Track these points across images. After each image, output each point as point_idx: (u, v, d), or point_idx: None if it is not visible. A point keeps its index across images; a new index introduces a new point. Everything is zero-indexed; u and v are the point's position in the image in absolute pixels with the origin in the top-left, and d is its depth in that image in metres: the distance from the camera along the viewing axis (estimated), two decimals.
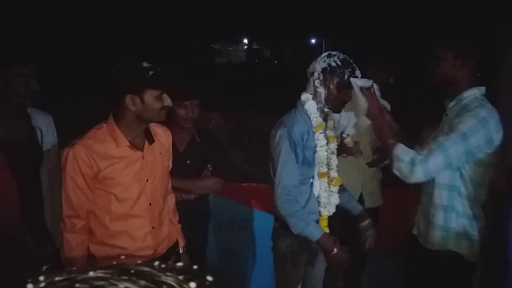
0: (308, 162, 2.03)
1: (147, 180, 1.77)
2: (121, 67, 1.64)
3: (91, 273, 0.48)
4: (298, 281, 2.18)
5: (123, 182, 1.70)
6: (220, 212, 3.02)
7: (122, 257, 1.68)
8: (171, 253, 1.92)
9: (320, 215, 2.09)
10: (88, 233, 1.74)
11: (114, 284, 0.47)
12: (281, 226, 2.12)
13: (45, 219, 2.09)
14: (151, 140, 1.80)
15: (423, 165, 1.77)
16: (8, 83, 1.95)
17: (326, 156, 2.04)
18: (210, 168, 2.34)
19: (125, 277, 0.48)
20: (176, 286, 0.49)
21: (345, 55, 1.99)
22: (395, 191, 2.80)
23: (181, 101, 2.16)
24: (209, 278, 0.52)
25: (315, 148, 2.03)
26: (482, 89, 1.88)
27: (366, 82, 1.97)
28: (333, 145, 2.14)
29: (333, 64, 1.94)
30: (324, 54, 2.01)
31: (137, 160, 1.74)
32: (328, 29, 14.96)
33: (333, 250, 1.95)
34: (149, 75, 1.62)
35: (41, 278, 0.46)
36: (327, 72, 1.95)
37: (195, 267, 0.54)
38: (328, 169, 2.11)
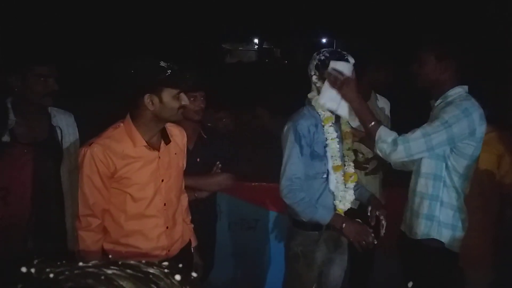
0: (319, 156, 2.04)
1: (162, 180, 1.79)
2: (139, 67, 1.66)
3: (81, 263, 0.51)
4: (311, 282, 2.15)
5: (139, 182, 1.72)
6: (229, 212, 3.04)
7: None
8: (184, 253, 1.94)
9: (336, 210, 2.08)
10: (103, 232, 1.77)
11: (103, 271, 0.50)
12: (294, 225, 2.13)
13: (65, 217, 2.12)
14: (167, 140, 1.81)
15: (404, 145, 1.86)
16: (27, 83, 1.99)
17: (338, 149, 2.04)
18: (220, 165, 2.35)
19: (114, 266, 0.51)
20: (162, 276, 0.52)
21: (335, 49, 2.04)
22: (396, 191, 2.79)
23: (189, 94, 2.14)
24: (194, 274, 0.56)
25: (326, 141, 2.04)
26: (465, 87, 1.94)
27: (342, 66, 1.97)
28: (350, 141, 2.15)
29: (322, 57, 2.00)
30: (315, 53, 2.07)
31: (153, 160, 1.76)
32: (339, 28, 14.89)
33: (342, 226, 1.97)
34: (167, 74, 1.64)
35: (33, 270, 0.49)
36: (319, 66, 2.01)
37: (180, 265, 0.57)
38: (345, 165, 2.13)
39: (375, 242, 1.96)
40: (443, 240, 1.96)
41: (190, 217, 2.06)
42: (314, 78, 2.04)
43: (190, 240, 2.03)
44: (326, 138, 2.04)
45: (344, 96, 1.98)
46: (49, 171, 2.06)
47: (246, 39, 23.66)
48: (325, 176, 2.07)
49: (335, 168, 2.05)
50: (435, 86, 1.98)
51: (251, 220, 3.07)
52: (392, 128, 2.05)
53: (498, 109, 2.47)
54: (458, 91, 1.93)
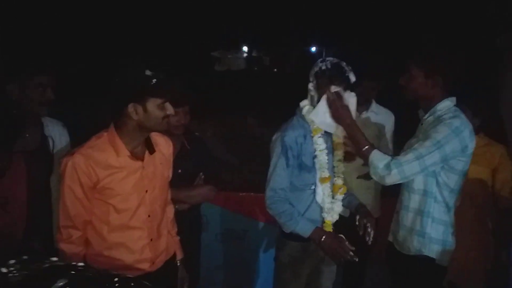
0: (307, 167, 2.02)
1: (146, 191, 1.74)
2: (124, 76, 1.63)
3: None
4: None
5: (122, 193, 1.68)
6: (218, 223, 2.98)
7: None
8: (168, 266, 1.89)
9: (324, 222, 2.07)
10: (85, 244, 1.72)
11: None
12: (282, 235, 2.11)
13: (53, 227, 2.08)
14: (151, 150, 1.77)
15: (399, 168, 1.85)
16: (26, 92, 1.99)
17: (327, 161, 2.02)
18: (202, 176, 2.32)
19: None
20: None
21: (340, 61, 1.99)
22: (394, 202, 2.78)
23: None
24: None
25: (314, 153, 2.02)
26: (454, 99, 1.95)
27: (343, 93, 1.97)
28: (340, 152, 2.13)
29: (323, 67, 1.97)
30: (320, 59, 2.04)
31: (137, 170, 1.72)
32: (328, 37, 15.03)
33: (320, 240, 1.95)
34: (152, 83, 1.60)
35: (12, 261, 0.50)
36: (318, 75, 1.98)
37: None
38: (334, 176, 2.11)
39: (356, 259, 1.93)
40: (433, 256, 1.96)
41: (176, 229, 2.01)
42: (310, 85, 2.02)
43: (175, 252, 1.98)
44: (315, 150, 2.02)
45: (337, 121, 1.98)
46: (40, 181, 2.05)
47: (235, 47, 23.74)
48: (313, 187, 2.06)
49: (322, 180, 2.03)
50: (423, 100, 1.99)
51: (240, 230, 3.03)
52: (397, 138, 2.05)
53: (488, 120, 2.47)
54: (447, 105, 1.93)
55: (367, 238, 2.03)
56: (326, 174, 2.03)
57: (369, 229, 2.03)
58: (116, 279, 0.63)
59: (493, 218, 2.60)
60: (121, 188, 1.67)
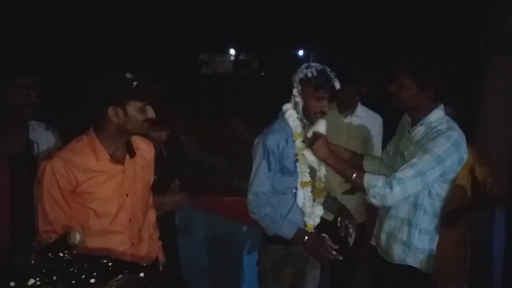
0: (288, 171, 2.03)
1: (127, 195, 1.73)
2: (104, 79, 1.61)
3: None
4: None
5: (102, 197, 1.66)
6: (202, 227, 2.96)
7: None
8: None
9: (305, 225, 2.07)
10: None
11: None
12: (264, 239, 2.11)
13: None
14: (132, 154, 1.76)
15: (401, 185, 1.78)
16: (9, 96, 1.97)
17: (308, 165, 2.03)
18: (178, 183, 2.27)
19: None
20: None
21: (324, 67, 1.99)
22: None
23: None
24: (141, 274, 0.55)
25: (296, 156, 2.02)
26: (442, 107, 1.91)
27: (318, 128, 1.98)
28: None
29: (309, 74, 1.96)
30: (304, 65, 2.03)
31: (117, 174, 1.70)
32: (315, 41, 15.14)
33: (304, 240, 1.95)
34: (133, 86, 1.59)
35: None
36: (304, 82, 1.98)
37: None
38: (316, 179, 2.11)
39: (340, 258, 1.93)
40: (418, 267, 1.95)
41: (158, 233, 1.99)
42: (294, 91, 2.01)
43: (157, 257, 1.96)
44: (297, 154, 2.02)
45: (316, 154, 1.98)
46: (22, 185, 2.01)
47: (222, 50, 23.74)
48: (294, 191, 2.06)
49: (303, 184, 2.04)
50: (412, 109, 1.95)
51: (225, 235, 3.01)
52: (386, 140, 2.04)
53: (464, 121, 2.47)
54: (439, 115, 1.89)
55: (349, 239, 2.02)
56: (307, 178, 2.03)
57: (350, 230, 2.02)
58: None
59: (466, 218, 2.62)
60: (101, 192, 1.65)
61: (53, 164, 1.59)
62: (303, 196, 2.05)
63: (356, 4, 10.34)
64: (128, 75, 1.60)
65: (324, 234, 2.00)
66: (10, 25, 7.32)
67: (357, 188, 1.95)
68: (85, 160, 1.63)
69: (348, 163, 2.00)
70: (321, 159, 1.99)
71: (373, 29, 10.17)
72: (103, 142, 1.66)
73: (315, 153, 1.98)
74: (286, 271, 2.09)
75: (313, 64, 2.01)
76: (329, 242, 1.94)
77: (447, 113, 1.93)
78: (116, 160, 1.70)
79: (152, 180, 1.92)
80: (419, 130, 1.91)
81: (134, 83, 1.59)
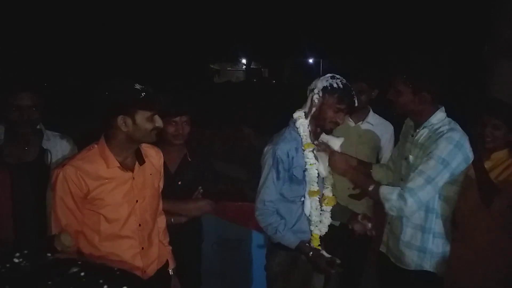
0: (297, 180, 2.04)
1: (136, 201, 1.78)
2: (113, 89, 1.67)
3: None
4: None
5: (112, 203, 1.71)
6: (212, 232, 2.99)
7: None
8: (160, 275, 1.91)
9: (311, 235, 2.09)
10: (76, 253, 1.74)
11: None
12: (272, 245, 2.13)
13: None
14: (141, 161, 1.81)
15: (414, 197, 1.82)
16: (6, 114, 2.01)
17: (316, 175, 2.04)
18: (201, 190, 2.30)
19: None
20: None
21: (348, 85, 2.02)
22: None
23: (170, 118, 2.16)
24: None
25: (305, 166, 2.04)
26: (443, 108, 1.94)
27: (327, 138, 2.04)
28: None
29: (335, 85, 1.98)
30: (329, 74, 2.05)
31: (127, 181, 1.76)
32: (326, 49, 15.16)
33: (309, 254, 1.97)
34: (141, 96, 1.65)
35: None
36: (327, 91, 1.99)
37: None
38: (324, 187, 2.14)
39: (341, 269, 1.97)
40: (435, 271, 1.96)
41: (168, 239, 2.04)
42: (315, 98, 2.01)
43: (168, 261, 2.00)
44: (306, 163, 2.04)
45: (334, 170, 2.04)
46: (33, 193, 2.05)
47: (234, 59, 23.90)
48: (303, 199, 2.08)
49: (311, 193, 2.06)
50: (413, 114, 1.99)
51: (235, 240, 3.05)
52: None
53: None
54: (440, 117, 1.92)
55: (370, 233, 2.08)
56: (315, 187, 2.05)
57: (369, 225, 2.07)
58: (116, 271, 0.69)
59: None
60: (111, 198, 1.71)
61: (65, 172, 1.66)
62: (311, 205, 2.07)
63: (366, 13, 10.36)
64: (137, 86, 1.66)
65: (323, 252, 2.00)
66: (13, 38, 7.49)
67: (374, 200, 2.01)
68: (96, 168, 1.69)
69: (364, 177, 2.05)
70: (338, 173, 2.05)
71: (381, 37, 10.17)
72: (113, 150, 1.72)
73: (333, 168, 2.04)
74: (293, 276, 2.11)
75: (338, 76, 2.03)
76: (329, 259, 1.96)
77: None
78: (126, 167, 1.76)
79: (161, 186, 1.97)
80: (423, 133, 1.94)
81: (143, 94, 1.65)
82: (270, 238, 2.09)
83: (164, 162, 2.02)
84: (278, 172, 2.01)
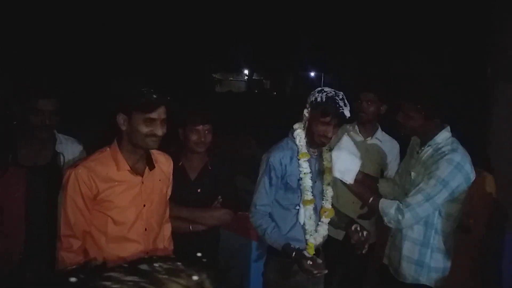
0: (291, 188, 2.09)
1: (144, 205, 1.80)
2: (119, 85, 1.72)
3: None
4: None
5: (120, 205, 1.74)
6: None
7: None
8: None
9: (307, 243, 2.10)
10: (84, 254, 1.76)
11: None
12: (268, 251, 2.17)
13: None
14: (151, 166, 1.84)
15: (412, 212, 1.88)
16: (26, 118, 2.02)
17: (311, 184, 2.08)
18: (221, 200, 2.30)
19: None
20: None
21: (337, 93, 2.00)
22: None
23: (192, 126, 2.18)
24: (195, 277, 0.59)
25: (299, 175, 2.08)
26: (448, 128, 1.98)
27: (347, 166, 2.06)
28: (329, 177, 2.18)
29: (319, 99, 1.99)
30: (319, 88, 2.07)
31: (136, 185, 1.78)
32: (327, 63, 15.29)
33: (291, 255, 1.98)
34: (136, 96, 1.68)
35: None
36: (312, 105, 2.02)
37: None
38: (323, 199, 2.16)
39: (323, 272, 1.94)
40: (431, 285, 1.98)
41: (172, 247, 2.03)
42: (305, 111, 2.07)
43: None
44: (300, 172, 2.08)
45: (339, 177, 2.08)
46: (46, 195, 2.06)
47: (236, 69, 24.06)
48: (297, 208, 2.11)
49: (305, 202, 2.09)
50: (420, 134, 2.03)
51: (234, 249, 3.04)
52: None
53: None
54: (445, 136, 1.96)
55: (363, 247, 2.03)
56: (309, 196, 2.08)
57: (363, 235, 2.02)
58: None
59: None
60: (120, 201, 1.73)
61: (77, 172, 1.69)
62: (305, 213, 2.09)
63: (370, 28, 10.48)
64: (138, 86, 1.69)
65: (305, 252, 1.98)
66: (26, 43, 7.59)
67: (373, 211, 2.06)
68: (106, 170, 1.72)
69: (366, 189, 2.10)
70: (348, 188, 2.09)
71: (385, 55, 10.28)
72: (123, 153, 1.76)
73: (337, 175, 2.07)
74: (289, 284, 2.12)
75: (326, 89, 2.03)
76: (310, 263, 1.92)
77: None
78: (136, 171, 1.79)
79: (169, 193, 1.99)
80: (427, 151, 1.98)
81: (139, 94, 1.67)
82: (264, 243, 2.12)
83: (185, 169, 2.03)
84: (270, 179, 2.07)
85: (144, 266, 0.60)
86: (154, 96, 1.70)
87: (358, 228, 2.05)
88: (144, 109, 1.69)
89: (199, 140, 2.21)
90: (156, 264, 0.61)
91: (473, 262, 2.61)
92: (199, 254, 0.64)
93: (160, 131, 1.71)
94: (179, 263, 0.61)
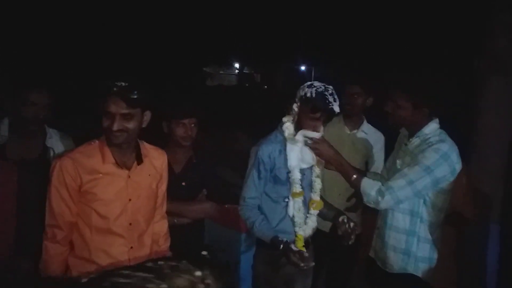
0: (280, 181, 2.10)
1: (130, 200, 1.79)
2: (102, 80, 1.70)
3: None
4: None
5: (104, 198, 1.73)
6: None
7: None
8: None
9: (296, 235, 2.11)
10: (69, 245, 1.76)
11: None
12: (257, 243, 2.19)
13: None
14: (139, 161, 1.83)
15: (392, 194, 1.89)
16: (18, 110, 2.01)
17: (299, 177, 2.09)
18: (205, 193, 2.31)
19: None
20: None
21: (326, 88, 2.00)
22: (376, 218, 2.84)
23: (179, 119, 2.19)
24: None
25: (288, 168, 2.08)
26: (437, 120, 1.99)
27: (312, 134, 2.04)
28: (318, 169, 2.19)
29: (309, 94, 1.99)
30: (308, 83, 2.08)
31: (122, 179, 1.77)
32: (318, 56, 15.30)
33: (279, 248, 1.98)
34: (104, 90, 1.66)
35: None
36: (302, 100, 2.02)
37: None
38: (312, 191, 2.17)
39: (309, 265, 1.95)
40: (419, 275, 2.00)
41: (169, 243, 2.02)
42: (294, 105, 2.07)
43: None
44: (289, 165, 2.08)
45: (320, 156, 2.07)
46: (36, 189, 2.02)
47: (227, 63, 23.96)
48: (287, 200, 2.12)
49: (294, 195, 2.09)
50: (408, 125, 2.04)
51: (224, 242, 3.05)
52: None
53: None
54: (433, 128, 1.97)
55: (350, 238, 2.05)
56: (298, 189, 2.09)
57: (350, 226, 2.03)
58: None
59: None
60: (104, 193, 1.73)
61: (62, 163, 1.70)
62: (294, 206, 2.10)
63: (361, 22, 10.50)
64: (109, 81, 1.66)
65: (292, 246, 1.98)
66: (20, 37, 7.51)
67: (354, 188, 2.05)
68: (92, 162, 1.72)
69: (350, 166, 2.08)
70: (326, 159, 2.06)
71: (375, 48, 10.31)
72: (110, 146, 1.75)
73: (319, 154, 2.06)
74: (278, 276, 2.14)
75: (316, 84, 2.03)
76: (297, 255, 1.93)
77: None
78: (123, 164, 1.78)
79: (164, 190, 1.97)
80: (415, 142, 2.00)
81: (110, 83, 1.66)
82: (252, 235, 2.14)
83: (169, 163, 2.03)
84: (259, 172, 2.08)
85: (149, 264, 0.63)
86: (111, 87, 1.66)
87: (345, 220, 2.07)
88: (104, 104, 1.68)
89: (185, 134, 2.22)
90: (161, 262, 0.64)
91: (454, 252, 2.65)
92: (204, 253, 0.67)
93: (109, 125, 1.67)
94: (183, 261, 0.64)
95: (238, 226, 2.98)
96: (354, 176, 2.02)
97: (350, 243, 2.06)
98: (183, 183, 2.27)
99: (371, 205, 1.98)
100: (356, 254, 2.73)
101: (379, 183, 1.95)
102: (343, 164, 2.07)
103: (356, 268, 2.83)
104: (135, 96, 1.66)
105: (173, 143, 2.22)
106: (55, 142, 2.18)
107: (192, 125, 2.23)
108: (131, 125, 1.69)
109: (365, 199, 1.98)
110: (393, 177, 1.95)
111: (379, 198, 1.90)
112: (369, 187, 1.95)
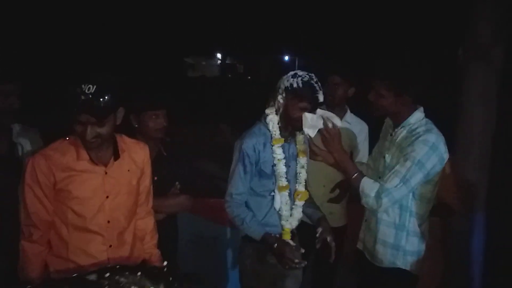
0: (266, 175, 2.06)
1: (107, 197, 1.72)
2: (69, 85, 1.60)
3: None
4: None
5: (80, 196, 1.67)
6: (187, 230, 2.94)
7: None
8: None
9: (282, 229, 2.09)
10: (47, 245, 1.71)
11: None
12: (243, 238, 2.14)
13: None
14: (116, 156, 1.75)
15: (389, 196, 1.87)
16: None
17: (285, 170, 2.06)
18: (179, 186, 2.27)
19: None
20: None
21: (311, 77, 1.98)
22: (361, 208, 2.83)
23: (151, 111, 2.13)
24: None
25: (273, 161, 2.05)
26: (422, 109, 1.98)
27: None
28: (303, 160, 2.16)
29: (295, 85, 1.96)
30: (291, 73, 2.03)
31: (98, 175, 1.70)
32: (301, 46, 15.29)
33: (273, 246, 1.96)
34: (74, 92, 1.55)
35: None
36: (288, 91, 1.98)
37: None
38: (297, 182, 2.14)
39: (303, 264, 1.95)
40: (408, 268, 1.99)
41: (155, 241, 1.97)
42: (279, 97, 2.02)
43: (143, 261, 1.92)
44: (274, 158, 2.05)
45: (326, 144, 2.01)
46: (5, 187, 1.95)
47: (209, 53, 23.74)
48: (273, 194, 2.09)
49: (280, 188, 2.07)
50: (392, 115, 2.01)
51: (210, 237, 3.01)
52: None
53: None
54: (418, 117, 1.95)
55: (331, 254, 2.06)
56: (284, 182, 2.06)
57: (332, 245, 2.05)
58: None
59: None
60: (79, 191, 1.67)
61: (35, 161, 1.64)
62: (280, 199, 2.07)
63: (342, 11, 10.50)
64: (83, 88, 1.54)
65: (289, 241, 1.99)
66: None
67: (352, 186, 2.02)
68: (66, 159, 1.66)
69: (352, 163, 2.05)
70: (331, 150, 2.01)
71: (358, 37, 10.34)
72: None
73: (327, 144, 2.00)
74: (265, 269, 2.10)
75: (300, 73, 2.00)
76: (294, 251, 1.93)
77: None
78: (99, 161, 1.71)
79: (147, 185, 1.91)
80: (401, 133, 1.97)
81: (74, 97, 1.55)
82: (240, 231, 2.09)
83: None
84: (244, 166, 2.03)
85: (92, 277, 0.56)
86: (79, 96, 1.54)
87: (322, 234, 2.04)
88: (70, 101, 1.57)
89: (160, 126, 2.16)
90: (117, 277, 0.57)
91: (439, 242, 2.66)
92: (164, 263, 0.60)
93: (88, 135, 1.59)
94: (138, 274, 0.57)
95: (220, 220, 2.94)
96: (355, 174, 1.98)
97: (331, 260, 2.06)
98: (155, 178, 2.17)
99: (367, 206, 1.95)
100: (341, 247, 2.70)
101: (378, 185, 1.92)
102: (344, 160, 2.02)
103: (341, 260, 2.81)
104: (106, 104, 1.57)
105: (143, 136, 2.14)
106: (22, 138, 2.10)
107: (164, 116, 2.19)
108: (104, 130, 1.62)
109: (363, 200, 1.94)
110: (386, 176, 1.92)
111: (378, 203, 1.88)
112: (369, 188, 1.92)
